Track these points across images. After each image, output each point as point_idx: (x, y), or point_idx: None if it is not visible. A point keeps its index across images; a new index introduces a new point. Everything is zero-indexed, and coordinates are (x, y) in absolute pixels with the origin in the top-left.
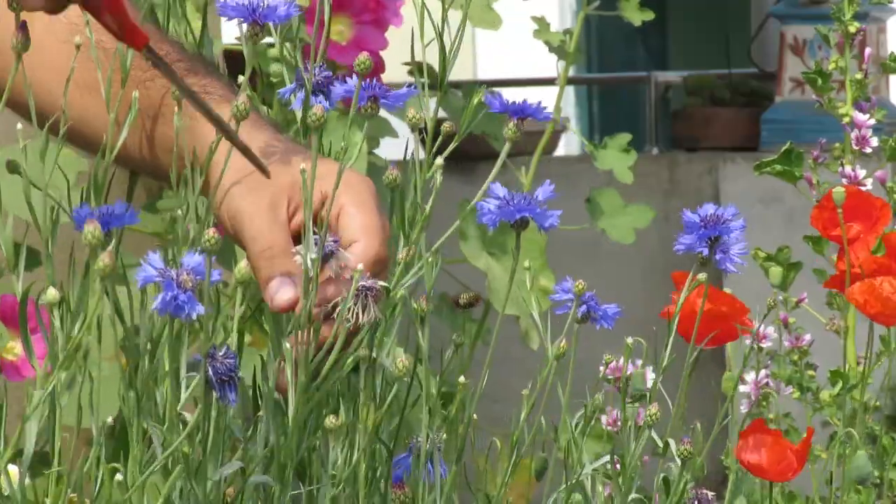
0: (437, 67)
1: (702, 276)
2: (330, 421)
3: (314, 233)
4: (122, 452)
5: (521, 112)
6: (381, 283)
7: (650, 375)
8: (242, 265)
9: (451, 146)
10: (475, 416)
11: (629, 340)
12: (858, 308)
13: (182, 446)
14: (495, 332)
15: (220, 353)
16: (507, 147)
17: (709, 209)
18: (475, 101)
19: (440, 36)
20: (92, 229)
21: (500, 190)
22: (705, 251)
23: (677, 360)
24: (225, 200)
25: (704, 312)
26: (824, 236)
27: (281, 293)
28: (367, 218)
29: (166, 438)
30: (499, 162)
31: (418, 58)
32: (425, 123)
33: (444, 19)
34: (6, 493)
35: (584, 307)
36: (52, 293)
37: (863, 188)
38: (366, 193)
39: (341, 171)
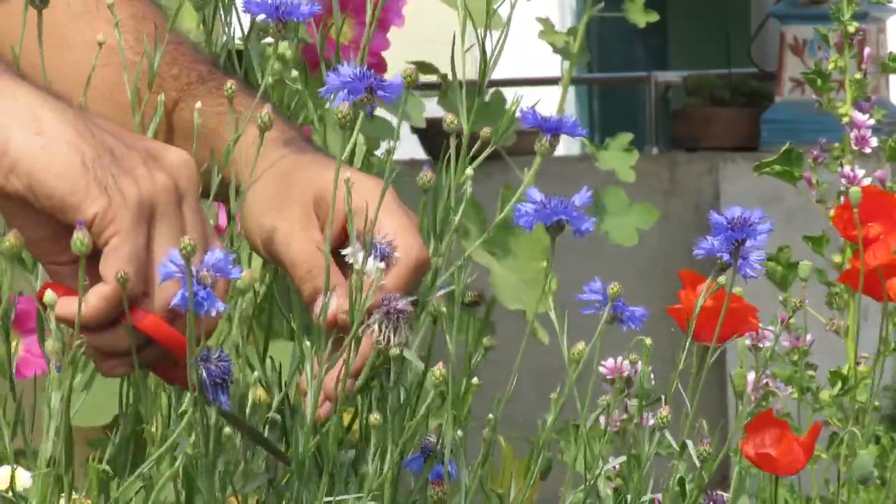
0: (439, 67)
1: (722, 279)
2: (374, 419)
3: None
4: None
5: (556, 129)
6: (408, 306)
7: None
8: (245, 274)
9: (487, 151)
10: (491, 416)
11: (648, 341)
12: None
13: (187, 447)
14: (525, 337)
15: (215, 356)
16: (538, 160)
17: (735, 211)
18: (514, 109)
19: (482, 43)
20: (81, 237)
21: (538, 194)
22: (726, 257)
23: (676, 357)
24: (254, 224)
25: (710, 309)
26: (844, 236)
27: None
28: (396, 220)
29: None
30: (532, 171)
31: (458, 64)
32: (435, 126)
33: (488, 25)
34: (20, 493)
35: (611, 307)
36: (50, 295)
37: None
38: (386, 196)
39: (384, 191)
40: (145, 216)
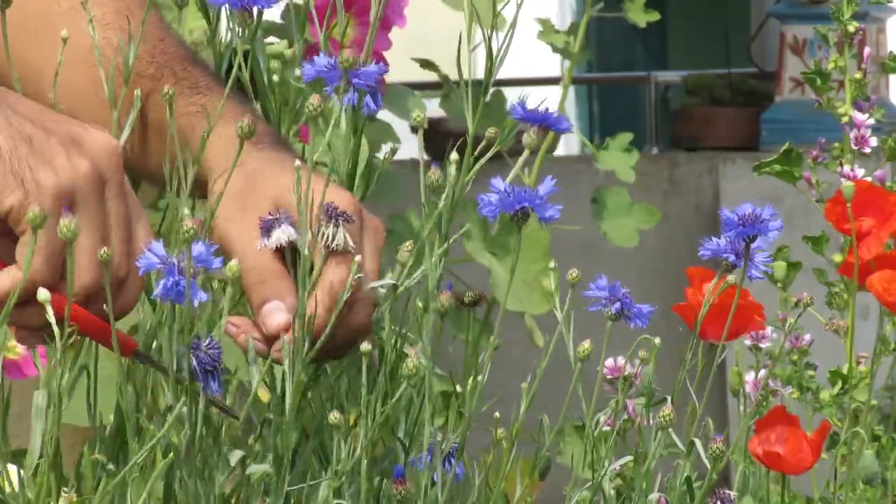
0: (440, 67)
1: (731, 278)
2: (333, 417)
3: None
4: (119, 450)
5: (543, 121)
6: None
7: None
8: (233, 263)
9: (493, 150)
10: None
11: (657, 340)
12: (877, 296)
13: (171, 436)
14: (495, 330)
15: (205, 344)
16: (525, 154)
17: (746, 208)
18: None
19: (489, 43)
20: (67, 223)
21: (501, 184)
22: (732, 258)
23: (676, 357)
24: (216, 223)
25: (717, 307)
26: (837, 229)
27: (272, 318)
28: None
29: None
30: (516, 166)
31: (465, 63)
32: (434, 126)
33: (494, 25)
34: (8, 492)
35: (617, 304)
36: (43, 293)
37: None
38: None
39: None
40: (64, 206)
